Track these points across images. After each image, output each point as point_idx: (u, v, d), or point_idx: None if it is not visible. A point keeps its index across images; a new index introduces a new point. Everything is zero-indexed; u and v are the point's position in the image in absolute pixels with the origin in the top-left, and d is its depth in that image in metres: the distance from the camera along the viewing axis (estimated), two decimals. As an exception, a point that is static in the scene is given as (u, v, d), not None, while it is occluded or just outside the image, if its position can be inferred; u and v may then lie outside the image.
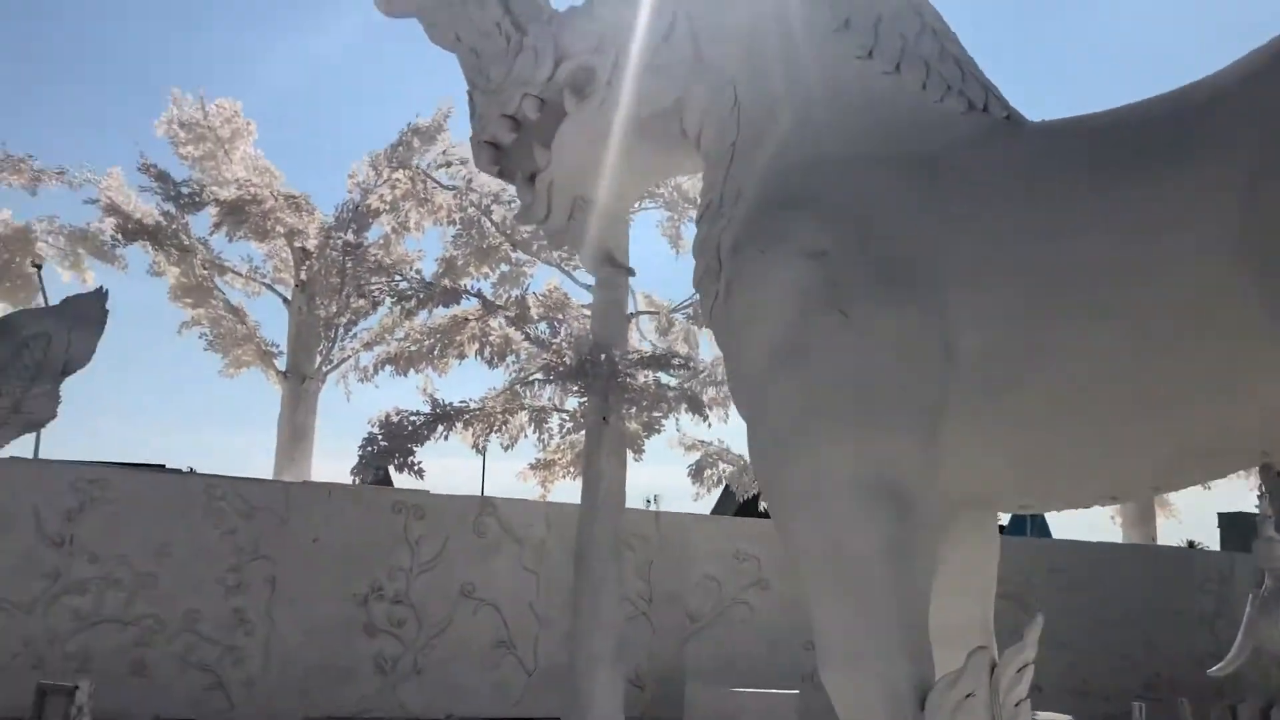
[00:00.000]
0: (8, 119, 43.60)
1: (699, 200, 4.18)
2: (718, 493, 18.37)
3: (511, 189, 14.79)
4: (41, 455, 17.37)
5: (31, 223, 17.35)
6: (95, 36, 49.52)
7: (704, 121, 4.14)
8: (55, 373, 7.62)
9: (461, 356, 14.65)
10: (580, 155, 4.37)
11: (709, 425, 14.16)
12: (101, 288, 7.97)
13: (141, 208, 17.63)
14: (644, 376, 12.60)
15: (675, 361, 12.80)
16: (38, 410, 7.58)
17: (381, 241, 17.57)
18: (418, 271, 14.75)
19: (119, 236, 16.88)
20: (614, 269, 4.83)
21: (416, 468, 12.57)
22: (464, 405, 13.49)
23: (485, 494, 15.94)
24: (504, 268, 15.35)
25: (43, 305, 15.19)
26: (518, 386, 14.40)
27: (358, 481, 12.63)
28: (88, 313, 7.85)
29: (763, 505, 15.57)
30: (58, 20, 45.70)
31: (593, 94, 4.21)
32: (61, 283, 18.14)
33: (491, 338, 14.28)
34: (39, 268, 17.94)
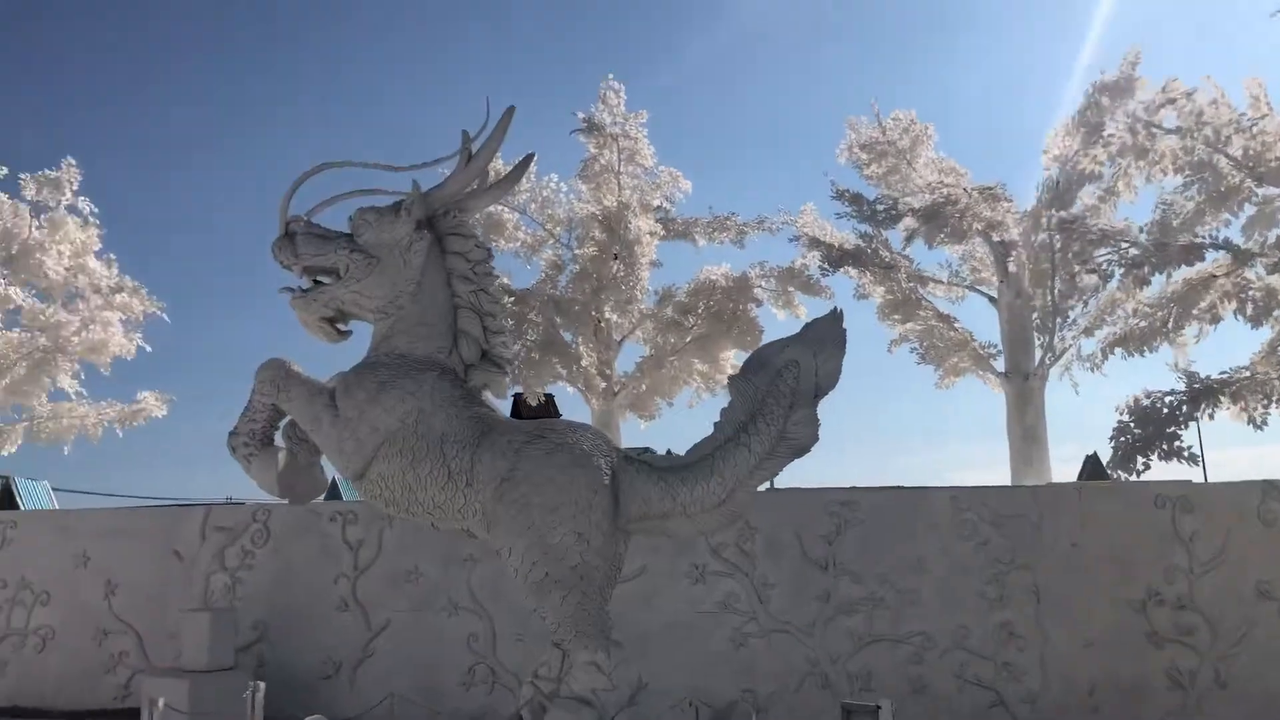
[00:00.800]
0: (710, 186, 49.45)
1: None
2: None
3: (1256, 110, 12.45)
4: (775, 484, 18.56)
5: (746, 271, 18.79)
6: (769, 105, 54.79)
7: None
8: (810, 397, 7.66)
9: (1215, 320, 12.56)
10: None
11: None
12: (837, 308, 7.88)
13: (838, 235, 18.23)
14: None
15: None
16: (801, 436, 7.67)
17: (1089, 213, 16.01)
18: (1148, 232, 13.00)
19: (825, 265, 17.57)
20: None
21: (1186, 453, 10.93)
22: (1227, 376, 11.52)
23: (1265, 477, 13.58)
24: (1248, 209, 12.90)
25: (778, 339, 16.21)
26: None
27: (1119, 477, 11.31)
28: (828, 335, 7.83)
29: None
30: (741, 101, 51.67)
31: None
32: (777, 321, 19.40)
33: (1251, 291, 12.03)
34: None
